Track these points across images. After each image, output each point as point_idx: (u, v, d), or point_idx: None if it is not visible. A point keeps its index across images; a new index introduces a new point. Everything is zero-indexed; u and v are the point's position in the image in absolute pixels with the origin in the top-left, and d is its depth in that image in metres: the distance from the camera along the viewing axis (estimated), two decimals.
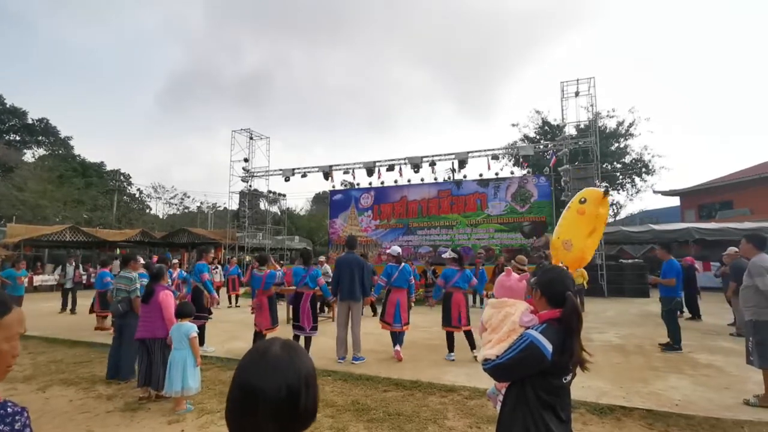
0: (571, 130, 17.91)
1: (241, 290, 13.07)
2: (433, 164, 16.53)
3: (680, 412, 3.84)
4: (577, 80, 15.62)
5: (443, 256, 6.65)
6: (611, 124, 23.90)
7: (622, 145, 24.05)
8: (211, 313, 6.72)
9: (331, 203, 19.05)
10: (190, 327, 4.10)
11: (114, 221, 31.42)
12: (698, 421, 3.67)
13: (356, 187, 18.43)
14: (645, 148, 23.99)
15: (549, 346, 1.57)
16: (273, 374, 0.80)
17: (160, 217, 40.73)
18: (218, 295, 7.09)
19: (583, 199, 2.46)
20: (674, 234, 15.61)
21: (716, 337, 7.31)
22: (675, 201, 26.35)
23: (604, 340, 7.15)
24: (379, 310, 9.53)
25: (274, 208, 27.63)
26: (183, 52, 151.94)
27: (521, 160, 18.82)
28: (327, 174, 18.10)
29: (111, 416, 3.93)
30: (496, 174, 16.26)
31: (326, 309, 9.99)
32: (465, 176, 16.36)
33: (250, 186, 20.68)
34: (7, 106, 36.60)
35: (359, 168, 17.54)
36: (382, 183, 17.39)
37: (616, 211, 26.40)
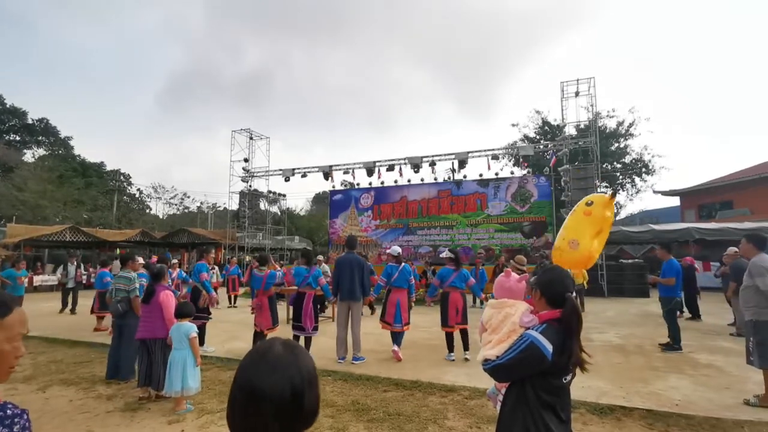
0: (571, 130, 17.90)
1: (241, 290, 13.07)
2: (433, 164, 16.53)
3: (680, 412, 3.84)
4: (577, 80, 15.62)
5: (441, 255, 6.66)
6: (611, 124, 23.92)
7: (622, 145, 24.04)
8: (210, 313, 6.72)
9: (331, 203, 19.05)
10: (190, 327, 4.10)
11: (114, 221, 31.41)
12: (698, 421, 3.67)
13: (356, 187, 18.43)
14: (645, 148, 24.03)
15: (549, 347, 1.57)
16: (277, 374, 0.80)
17: (160, 217, 40.73)
18: (217, 295, 7.08)
19: (589, 202, 2.49)
20: (674, 234, 15.60)
21: (716, 337, 7.31)
22: (675, 201, 26.36)
23: (604, 340, 7.14)
24: (379, 309, 9.59)
25: (274, 208, 27.68)
26: (183, 52, 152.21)
27: (521, 160, 18.81)
28: (327, 174, 18.10)
29: (111, 416, 3.93)
30: (496, 174, 16.25)
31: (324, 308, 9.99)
32: (465, 176, 16.36)
33: (250, 186, 20.68)
34: (7, 106, 36.62)
35: (359, 168, 17.55)
36: (382, 183, 17.39)
37: (616, 211, 26.38)
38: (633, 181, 24.95)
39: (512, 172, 18.52)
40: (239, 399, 0.81)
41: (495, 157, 19.03)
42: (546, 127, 24.73)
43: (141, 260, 6.48)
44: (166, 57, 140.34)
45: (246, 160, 20.41)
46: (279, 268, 8.22)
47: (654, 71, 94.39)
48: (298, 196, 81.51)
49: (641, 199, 57.24)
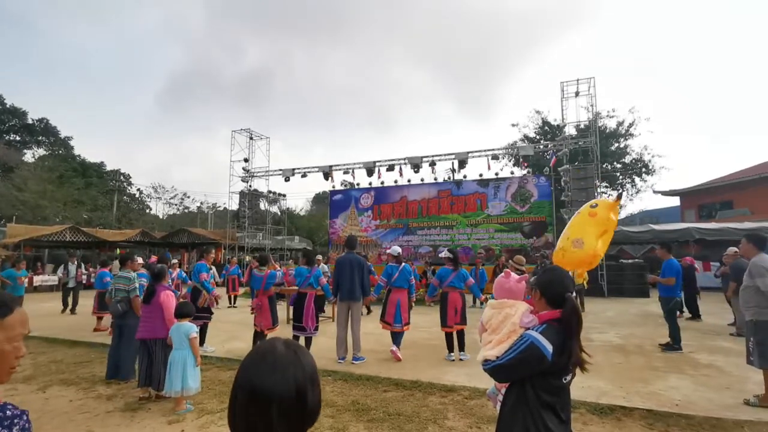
0: (571, 130, 17.90)
1: (241, 290, 13.07)
2: (433, 164, 16.53)
3: (680, 412, 3.84)
4: (577, 80, 15.62)
5: (440, 255, 6.67)
6: (611, 124, 23.92)
7: (622, 145, 24.03)
8: (212, 313, 6.72)
9: (331, 203, 19.05)
10: (190, 327, 4.10)
11: (114, 221, 31.42)
12: (698, 421, 3.67)
13: (356, 187, 18.43)
14: (645, 148, 24.02)
15: (549, 347, 1.57)
16: (280, 374, 0.81)
17: (160, 217, 40.74)
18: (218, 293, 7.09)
19: (594, 204, 2.50)
20: (674, 234, 15.60)
21: (716, 337, 7.31)
22: (675, 201, 26.36)
23: (604, 340, 7.14)
24: (374, 310, 9.59)
25: (274, 208, 27.68)
26: (183, 52, 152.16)
27: (521, 160, 18.81)
28: (327, 174, 18.10)
29: (111, 416, 3.93)
30: (496, 174, 16.25)
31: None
32: (465, 176, 16.36)
33: (250, 186, 20.68)
34: (7, 106, 36.63)
35: (359, 168, 17.55)
36: (382, 183, 17.39)
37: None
38: (633, 181, 24.96)
39: (512, 172, 18.52)
40: (242, 399, 0.80)
41: (495, 157, 19.04)
42: (546, 127, 24.72)
43: (140, 260, 6.48)
44: (166, 57, 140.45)
45: (246, 160, 20.41)
46: (278, 268, 8.22)
47: (654, 71, 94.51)
48: (298, 196, 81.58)
49: (641, 199, 57.11)
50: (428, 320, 8.53)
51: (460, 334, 5.96)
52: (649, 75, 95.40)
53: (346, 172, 18.07)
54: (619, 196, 2.51)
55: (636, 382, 4.77)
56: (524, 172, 17.47)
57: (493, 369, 1.69)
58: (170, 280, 6.05)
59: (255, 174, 20.53)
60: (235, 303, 12.37)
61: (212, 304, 6.64)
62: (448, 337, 5.98)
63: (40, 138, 38.51)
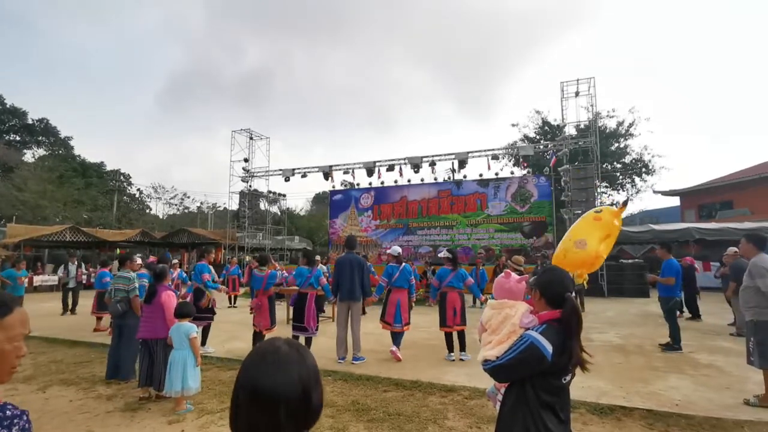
0: (571, 130, 17.90)
1: (241, 290, 13.06)
2: (433, 164, 16.54)
3: (680, 412, 3.84)
4: (577, 80, 15.62)
5: (439, 255, 6.66)
6: (611, 124, 23.91)
7: (622, 145, 24.03)
8: (214, 313, 6.73)
9: (331, 203, 19.06)
10: (190, 327, 4.10)
11: (114, 221, 31.43)
12: (698, 421, 3.67)
13: (356, 187, 18.44)
14: (645, 148, 24.01)
15: (549, 347, 1.57)
16: (288, 373, 0.81)
17: (160, 217, 40.74)
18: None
19: (599, 210, 2.51)
20: (674, 234, 15.59)
21: (716, 337, 7.31)
22: (675, 201, 26.35)
23: (604, 340, 7.14)
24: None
25: (274, 208, 27.65)
26: (183, 52, 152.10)
27: (521, 160, 18.82)
28: (327, 174, 18.11)
29: (111, 416, 3.93)
30: (496, 174, 16.26)
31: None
32: (465, 176, 16.37)
33: (250, 186, 20.68)
34: (7, 106, 36.63)
35: (359, 168, 17.55)
36: (382, 183, 17.39)
37: None
38: (633, 181, 24.96)
39: (512, 172, 18.55)
40: (247, 400, 0.80)
41: (495, 157, 19.04)
42: (546, 127, 24.72)
43: (139, 260, 6.49)
44: (166, 57, 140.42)
45: (246, 160, 20.42)
46: (278, 267, 8.22)
47: (654, 71, 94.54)
48: (298, 196, 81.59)
49: (641, 199, 57.27)
50: (428, 320, 8.53)
51: (461, 335, 5.96)
52: (649, 75, 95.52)
53: (346, 172, 18.08)
54: (625, 203, 2.51)
55: (636, 382, 4.77)
56: (524, 172, 17.50)
57: (493, 369, 1.69)
58: (171, 280, 6.05)
59: (255, 174, 20.54)
60: (235, 303, 12.37)
61: (214, 305, 6.66)
62: (448, 337, 5.98)
63: (40, 138, 38.52)
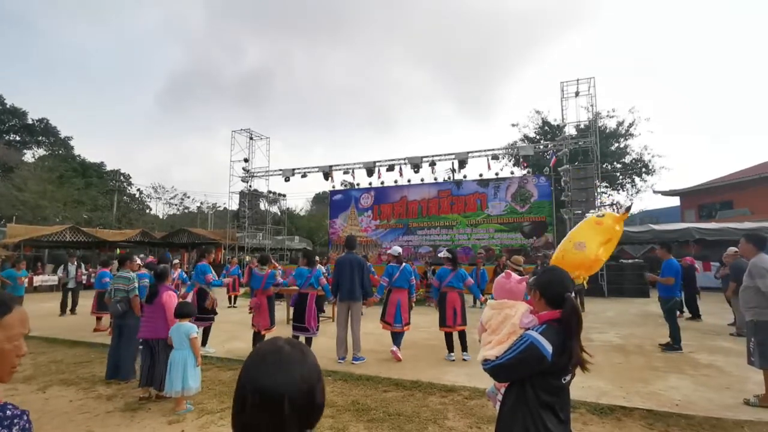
0: (571, 130, 17.89)
1: (241, 290, 13.06)
2: (433, 164, 16.54)
3: (680, 412, 3.84)
4: (577, 80, 15.62)
5: (439, 255, 6.66)
6: (611, 124, 23.90)
7: (622, 145, 24.02)
8: (216, 313, 6.73)
9: (331, 203, 19.06)
10: (191, 327, 4.10)
11: (114, 221, 31.43)
12: (698, 421, 3.67)
13: (356, 187, 18.44)
14: (645, 148, 23.99)
15: (549, 347, 1.57)
16: (291, 373, 0.81)
17: (160, 217, 40.76)
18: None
19: (601, 214, 2.52)
20: (674, 234, 15.59)
21: (716, 337, 7.31)
22: (675, 201, 26.34)
23: (604, 340, 7.14)
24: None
25: (274, 209, 27.67)
26: (183, 52, 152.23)
27: (521, 160, 18.82)
28: (327, 174, 18.11)
29: (111, 416, 3.93)
30: (496, 174, 16.26)
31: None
32: (465, 176, 16.37)
33: (250, 186, 20.69)
34: (7, 106, 36.64)
35: (359, 168, 17.55)
36: (382, 183, 17.39)
37: (616, 211, 26.36)
38: (633, 181, 24.94)
39: (512, 172, 18.55)
40: (252, 400, 0.80)
41: (495, 157, 19.02)
42: (546, 127, 24.71)
43: (139, 260, 6.49)
44: (166, 57, 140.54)
45: (246, 160, 20.42)
46: (278, 267, 8.22)
47: (654, 71, 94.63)
48: (298, 196, 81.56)
49: (641, 199, 56.87)
50: (428, 320, 8.53)
51: (462, 335, 5.96)
52: (649, 75, 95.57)
53: (346, 172, 18.08)
54: (628, 209, 2.51)
55: (636, 382, 4.77)
56: (524, 172, 17.50)
57: (493, 369, 1.69)
58: (171, 281, 6.05)
59: (255, 174, 20.54)
60: (235, 303, 12.36)
61: (216, 305, 6.66)
62: (448, 337, 5.98)
63: (40, 138, 38.53)
